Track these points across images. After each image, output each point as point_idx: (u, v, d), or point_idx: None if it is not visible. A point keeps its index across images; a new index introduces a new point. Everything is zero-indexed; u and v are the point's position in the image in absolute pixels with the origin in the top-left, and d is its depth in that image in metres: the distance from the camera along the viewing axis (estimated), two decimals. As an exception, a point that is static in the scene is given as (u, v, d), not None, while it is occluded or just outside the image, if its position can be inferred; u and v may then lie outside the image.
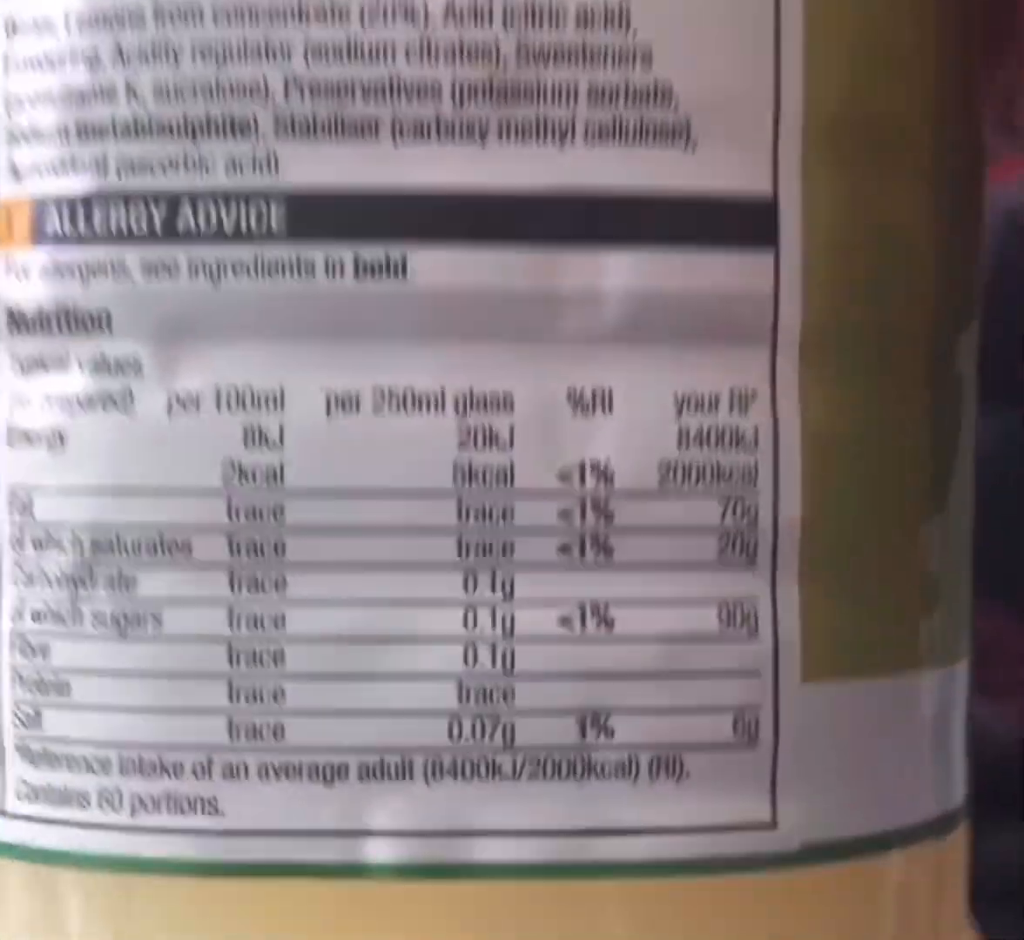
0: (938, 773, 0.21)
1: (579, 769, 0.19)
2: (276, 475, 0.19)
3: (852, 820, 0.20)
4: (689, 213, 0.19)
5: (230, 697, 0.19)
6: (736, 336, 0.19)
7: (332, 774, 0.19)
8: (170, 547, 0.19)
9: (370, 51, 0.18)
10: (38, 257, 0.19)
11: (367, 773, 0.19)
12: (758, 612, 0.19)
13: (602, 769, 0.19)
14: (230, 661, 0.19)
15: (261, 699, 0.19)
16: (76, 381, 0.19)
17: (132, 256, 0.19)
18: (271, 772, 0.19)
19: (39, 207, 0.19)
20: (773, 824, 0.19)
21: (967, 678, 0.22)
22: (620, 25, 0.18)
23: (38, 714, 0.20)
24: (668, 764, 0.19)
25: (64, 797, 0.20)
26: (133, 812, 0.19)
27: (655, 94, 0.19)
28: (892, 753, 0.20)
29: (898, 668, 0.20)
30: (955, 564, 0.21)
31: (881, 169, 0.20)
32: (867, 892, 0.21)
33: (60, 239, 0.19)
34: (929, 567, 0.21)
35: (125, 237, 0.19)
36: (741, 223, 0.19)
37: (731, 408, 0.19)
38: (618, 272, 0.19)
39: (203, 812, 0.19)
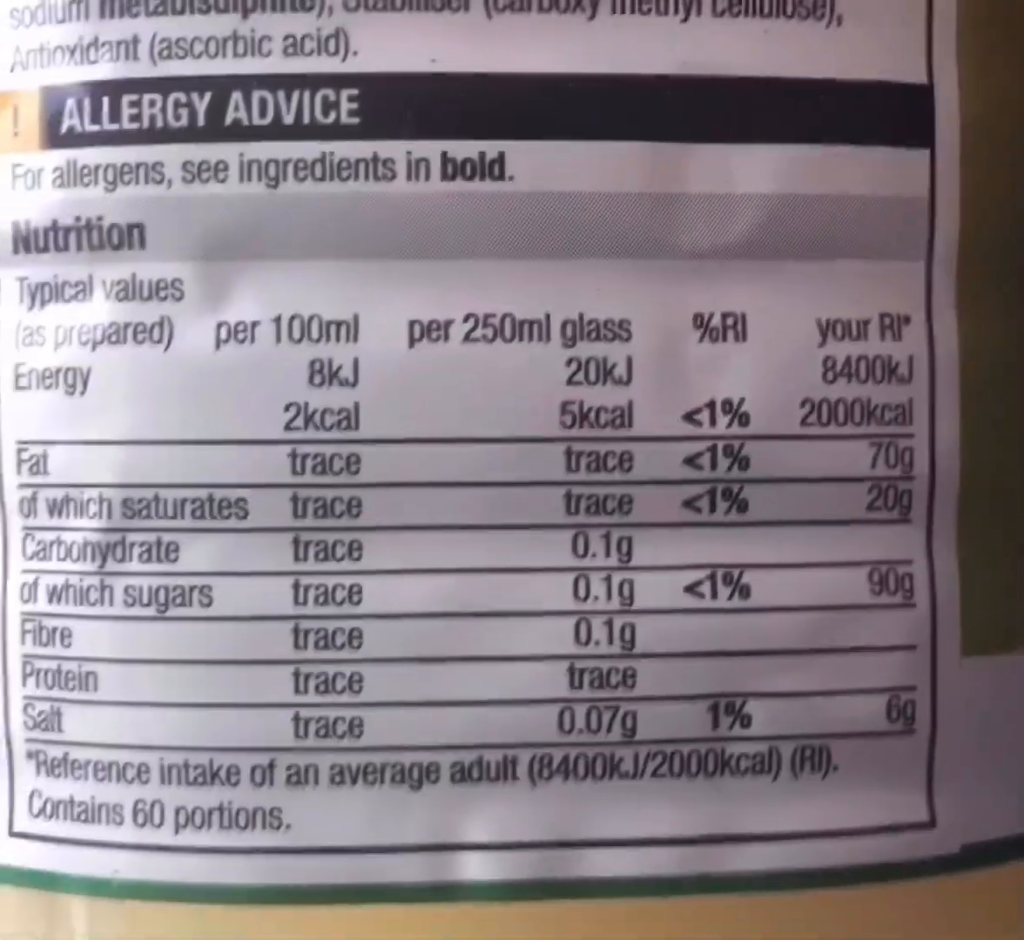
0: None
1: (711, 765, 0.17)
2: (349, 419, 0.16)
3: (1015, 816, 0.18)
4: (833, 103, 0.16)
5: (296, 687, 0.16)
6: (887, 249, 0.17)
7: (420, 777, 0.16)
8: (221, 508, 0.16)
9: (460, -95, 0.16)
10: (51, 160, 0.16)
11: (462, 774, 0.16)
12: (914, 576, 0.17)
13: (737, 764, 0.17)
14: (296, 644, 0.16)
15: (334, 689, 0.16)
16: (100, 310, 0.17)
17: (171, 157, 0.16)
18: (346, 776, 0.16)
19: (51, 100, 0.16)
20: (931, 823, 0.17)
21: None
22: None
23: (57, 713, 0.17)
24: (813, 756, 0.17)
25: (90, 813, 0.17)
26: (177, 829, 0.17)
27: (795, -41, 0.16)
28: (1052, 737, 0.18)
29: (1056, 639, 0.18)
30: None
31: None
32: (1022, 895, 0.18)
33: (79, 138, 0.16)
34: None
35: (161, 134, 0.16)
36: (893, 115, 0.17)
37: (882, 334, 0.17)
38: (750, 172, 0.16)
39: (264, 827, 0.16)
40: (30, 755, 0.17)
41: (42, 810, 0.17)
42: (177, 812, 0.16)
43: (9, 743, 0.17)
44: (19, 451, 0.17)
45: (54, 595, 0.17)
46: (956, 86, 0.17)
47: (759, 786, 0.17)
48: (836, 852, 0.17)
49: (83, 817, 0.17)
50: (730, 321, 0.16)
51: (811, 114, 0.16)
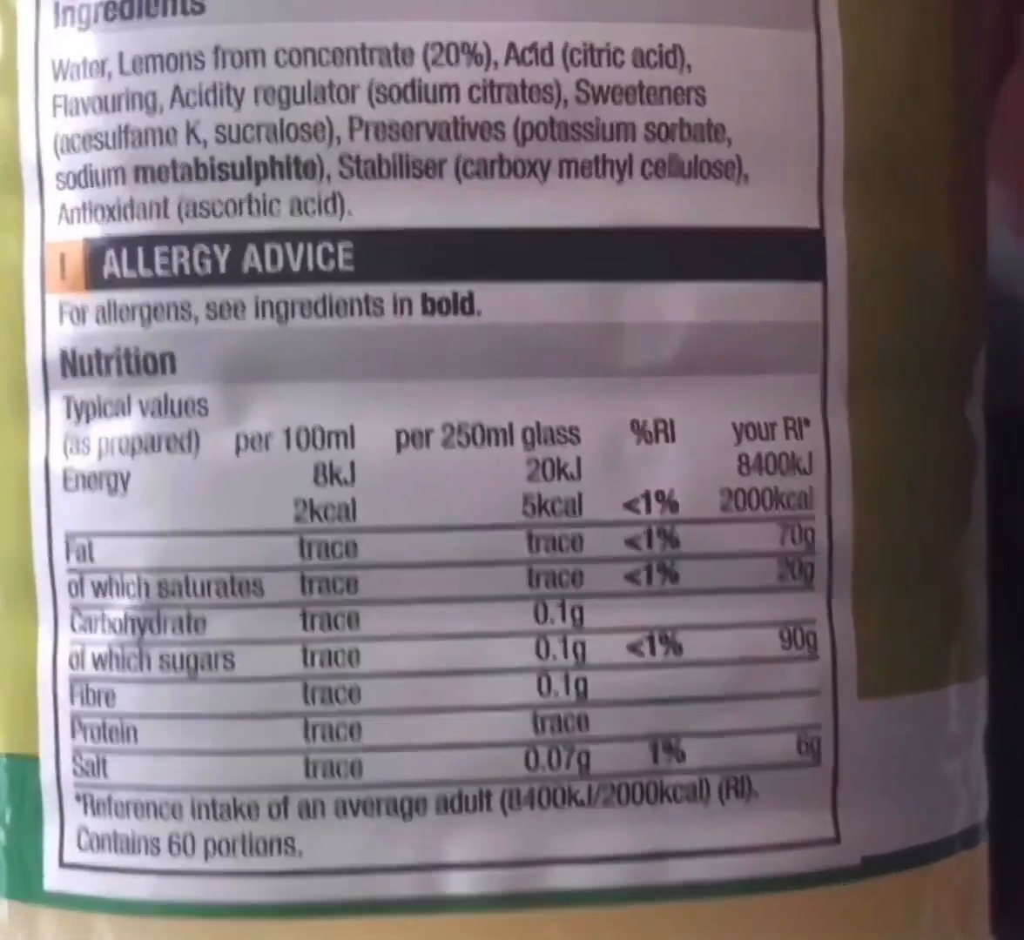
0: (969, 785, 0.22)
1: (652, 794, 0.19)
2: (348, 512, 0.19)
3: (905, 833, 0.21)
4: (742, 247, 0.19)
5: (306, 735, 0.19)
6: (789, 365, 0.20)
7: (410, 808, 0.19)
8: (241, 587, 0.19)
9: (434, 92, 0.19)
10: (94, 300, 0.19)
11: (445, 806, 0.19)
12: (817, 633, 0.20)
13: (674, 793, 0.19)
14: (305, 699, 0.19)
15: (338, 736, 0.19)
16: (137, 424, 0.19)
17: (196, 298, 0.19)
18: (348, 809, 0.19)
19: (94, 250, 0.19)
20: (836, 839, 0.20)
21: (986, 694, 0.23)
22: (675, 66, 0.19)
23: (102, 762, 0.19)
24: (737, 785, 0.20)
25: (131, 845, 0.19)
26: (206, 856, 0.19)
27: (709, 132, 0.19)
28: (934, 766, 0.21)
29: (937, 683, 0.21)
30: (978, 583, 0.22)
31: (910, 203, 0.21)
32: (914, 901, 0.21)
33: (119, 282, 0.19)
34: (960, 583, 0.21)
35: (188, 279, 0.19)
36: (791, 256, 0.20)
37: (787, 434, 0.20)
38: (676, 305, 0.19)
39: (280, 852, 0.19)
40: (78, 797, 0.19)
41: (89, 844, 0.19)
42: (206, 842, 0.19)
43: (60, 788, 0.19)
44: (68, 541, 0.19)
45: (99, 662, 0.19)
46: (843, 230, 0.20)
47: (692, 811, 0.19)
48: (757, 864, 0.19)
49: (124, 848, 0.19)
50: (661, 426, 0.19)
51: (724, 256, 0.19)
